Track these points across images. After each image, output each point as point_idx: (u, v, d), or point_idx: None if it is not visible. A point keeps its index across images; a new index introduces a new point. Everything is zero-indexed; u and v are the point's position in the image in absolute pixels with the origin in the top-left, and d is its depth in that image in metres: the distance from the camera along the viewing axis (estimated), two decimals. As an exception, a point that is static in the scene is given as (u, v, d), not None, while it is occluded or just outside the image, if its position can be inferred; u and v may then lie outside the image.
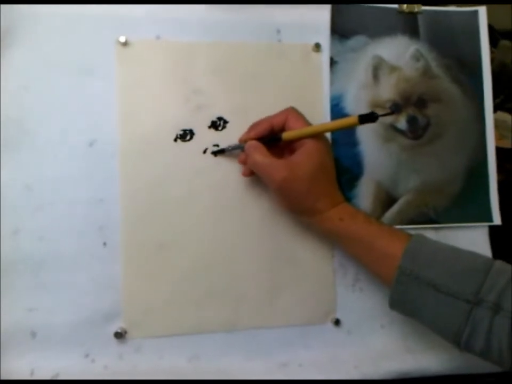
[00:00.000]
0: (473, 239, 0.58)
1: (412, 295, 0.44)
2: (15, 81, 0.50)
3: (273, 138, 0.49)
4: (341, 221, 0.47)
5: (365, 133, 0.56)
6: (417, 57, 0.58)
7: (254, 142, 0.49)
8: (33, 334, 0.49)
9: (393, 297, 0.45)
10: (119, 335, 0.49)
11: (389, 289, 0.45)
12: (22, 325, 0.48)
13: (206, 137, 0.53)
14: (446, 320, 0.42)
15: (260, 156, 0.47)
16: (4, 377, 0.47)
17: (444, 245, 0.46)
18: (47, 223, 0.50)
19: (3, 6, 0.50)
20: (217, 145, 0.53)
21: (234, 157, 0.53)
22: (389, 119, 0.56)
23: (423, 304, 0.43)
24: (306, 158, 0.47)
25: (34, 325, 0.49)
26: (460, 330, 0.41)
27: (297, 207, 0.49)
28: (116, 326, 0.50)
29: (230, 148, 0.52)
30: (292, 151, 0.49)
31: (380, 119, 0.55)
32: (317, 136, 0.48)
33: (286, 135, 0.49)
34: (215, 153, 0.53)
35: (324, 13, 0.56)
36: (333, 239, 0.52)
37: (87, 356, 0.49)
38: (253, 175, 0.51)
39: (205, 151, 0.53)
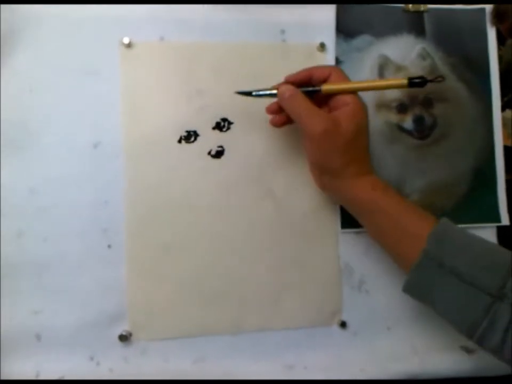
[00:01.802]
0: (481, 240, 0.57)
1: (431, 280, 0.42)
2: (18, 83, 0.50)
3: (312, 90, 0.46)
4: (374, 190, 0.46)
5: (371, 133, 0.55)
6: (423, 56, 0.57)
7: (291, 86, 0.46)
8: (38, 337, 0.49)
9: (410, 279, 0.43)
10: (124, 338, 0.49)
11: (405, 270, 0.44)
12: (27, 328, 0.48)
13: (210, 139, 0.53)
14: (463, 311, 0.40)
15: (303, 100, 0.45)
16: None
17: (471, 234, 0.44)
18: (51, 225, 0.49)
19: (6, 8, 0.49)
20: (221, 147, 0.53)
21: (239, 157, 0.53)
22: (394, 119, 0.56)
23: (441, 291, 0.41)
24: (350, 117, 0.45)
25: (39, 328, 0.49)
26: (477, 323, 0.39)
27: (330, 164, 0.46)
28: (121, 329, 0.50)
29: (259, 93, 0.48)
30: (330, 110, 0.47)
31: (385, 118, 0.56)
32: (358, 98, 0.46)
33: (326, 87, 0.46)
34: (242, 94, 0.49)
35: (328, 12, 0.56)
36: (357, 208, 0.48)
37: (92, 358, 0.49)
38: (284, 125, 0.49)
39: (209, 152, 0.52)
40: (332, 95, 0.47)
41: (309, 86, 0.47)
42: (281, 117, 0.48)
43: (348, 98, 0.46)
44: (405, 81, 0.45)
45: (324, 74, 0.47)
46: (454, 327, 0.42)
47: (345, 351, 0.53)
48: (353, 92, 0.46)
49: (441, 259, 0.41)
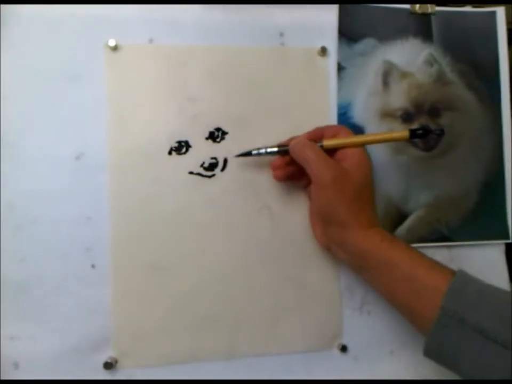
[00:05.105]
0: (489, 258, 0.54)
1: (453, 339, 0.38)
2: (-7, 89, 0.46)
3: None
4: (382, 241, 0.43)
5: (374, 144, 0.52)
6: (430, 62, 0.54)
7: (303, 138, 0.47)
8: (16, 365, 0.45)
9: (430, 340, 0.39)
10: (109, 365, 0.46)
11: (424, 332, 0.40)
12: (3, 355, 0.45)
13: (203, 150, 0.49)
14: (493, 372, 0.36)
15: (315, 149, 0.45)
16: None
17: (491, 286, 0.40)
18: (29, 243, 0.46)
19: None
20: (215, 158, 0.49)
21: (234, 170, 0.49)
22: (399, 129, 0.53)
23: (466, 352, 0.38)
24: (356, 167, 0.45)
25: (16, 355, 0.45)
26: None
27: (338, 214, 0.44)
28: (105, 355, 0.46)
29: (259, 152, 0.48)
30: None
31: (390, 128, 0.53)
32: (363, 150, 0.46)
33: (327, 143, 0.46)
34: (242, 155, 0.48)
35: (330, 14, 0.52)
36: (364, 262, 0.45)
37: (74, 388, 0.46)
38: (288, 180, 0.48)
39: (202, 165, 0.49)
40: (339, 150, 0.46)
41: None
42: (284, 171, 0.48)
43: (353, 150, 0.46)
44: (406, 133, 0.45)
45: (333, 133, 0.47)
46: None
47: (346, 377, 0.50)
48: (354, 146, 0.46)
49: (461, 315, 0.38)
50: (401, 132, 0.45)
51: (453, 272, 0.41)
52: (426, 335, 0.40)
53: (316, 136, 0.47)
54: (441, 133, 0.49)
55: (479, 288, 0.40)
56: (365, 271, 0.45)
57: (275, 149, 0.47)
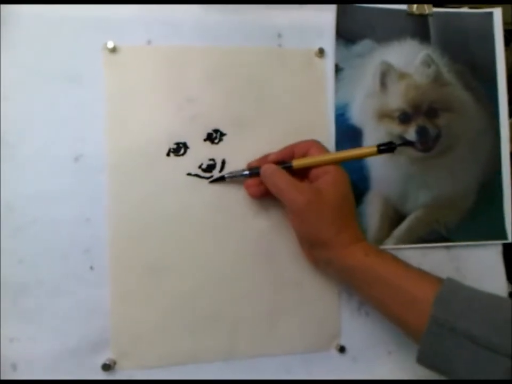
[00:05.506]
0: (486, 258, 0.54)
1: (445, 348, 0.38)
2: (-8, 90, 0.46)
3: (284, 166, 0.46)
4: (367, 256, 0.43)
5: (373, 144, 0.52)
6: (428, 62, 0.54)
7: (272, 165, 0.46)
8: (14, 366, 0.45)
9: (422, 349, 0.40)
10: (107, 367, 0.46)
11: (417, 341, 0.40)
12: (1, 357, 0.45)
13: (201, 151, 0.49)
14: (485, 378, 0.37)
15: (284, 176, 0.45)
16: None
17: (479, 291, 0.41)
18: (27, 245, 0.46)
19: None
20: (213, 160, 0.49)
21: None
22: (397, 129, 0.53)
23: (458, 359, 0.38)
24: (331, 187, 0.44)
25: (15, 356, 0.45)
26: None
27: (320, 236, 0.44)
28: (104, 357, 0.46)
29: (233, 175, 0.48)
30: (311, 181, 0.46)
31: (387, 129, 0.53)
32: (338, 166, 0.46)
33: (297, 163, 0.46)
34: (216, 181, 0.49)
35: (328, 15, 0.52)
36: (352, 278, 0.45)
37: (72, 389, 0.46)
38: (263, 197, 0.48)
39: (200, 166, 0.49)
40: (312, 167, 0.46)
41: (283, 162, 0.47)
42: (258, 189, 0.48)
43: (327, 167, 0.45)
44: (374, 149, 0.45)
45: (304, 150, 0.47)
46: None
47: (344, 377, 0.50)
48: (324, 164, 0.46)
49: (452, 324, 0.38)
50: (369, 148, 0.45)
51: (441, 281, 0.41)
52: (418, 344, 0.40)
53: (287, 154, 0.47)
54: (409, 144, 0.51)
55: (469, 295, 0.40)
56: (354, 286, 0.46)
57: (247, 172, 0.48)
